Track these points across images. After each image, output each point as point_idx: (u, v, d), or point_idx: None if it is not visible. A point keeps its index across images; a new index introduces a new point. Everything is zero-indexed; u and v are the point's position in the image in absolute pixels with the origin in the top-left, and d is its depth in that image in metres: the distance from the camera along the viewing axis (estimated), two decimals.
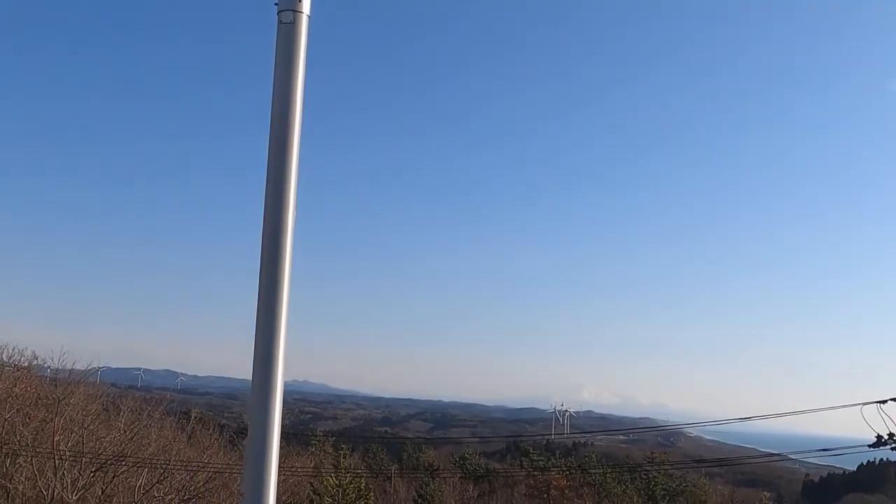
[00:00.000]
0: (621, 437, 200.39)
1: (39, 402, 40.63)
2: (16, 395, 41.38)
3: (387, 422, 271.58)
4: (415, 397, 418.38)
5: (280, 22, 6.68)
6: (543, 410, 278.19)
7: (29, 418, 38.52)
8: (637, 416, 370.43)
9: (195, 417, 52.24)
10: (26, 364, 44.02)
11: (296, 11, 6.67)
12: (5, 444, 37.13)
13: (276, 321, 6.80)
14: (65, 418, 35.96)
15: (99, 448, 34.32)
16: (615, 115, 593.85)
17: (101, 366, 57.46)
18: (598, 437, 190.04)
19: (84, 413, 36.94)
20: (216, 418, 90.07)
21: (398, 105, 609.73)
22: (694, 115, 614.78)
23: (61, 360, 41.17)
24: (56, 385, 40.63)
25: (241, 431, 76.28)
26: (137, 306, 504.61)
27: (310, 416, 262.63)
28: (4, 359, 43.68)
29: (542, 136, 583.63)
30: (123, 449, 34.71)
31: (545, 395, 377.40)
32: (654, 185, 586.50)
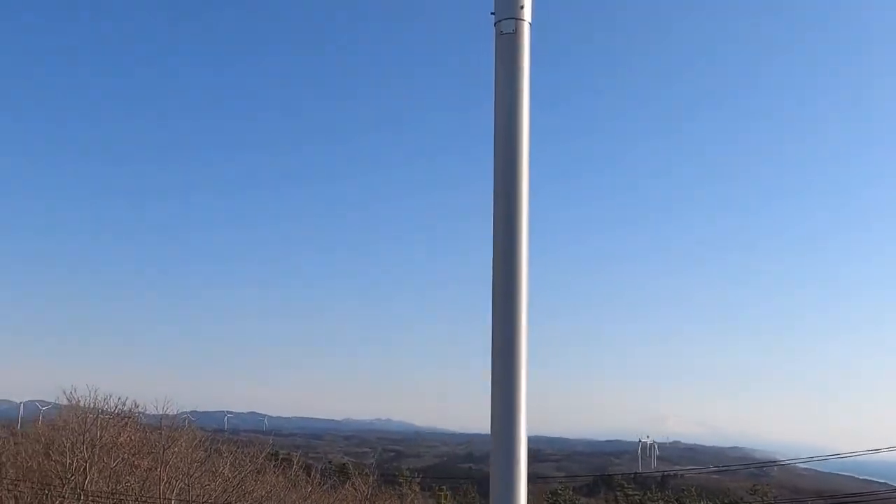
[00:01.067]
0: (711, 468, 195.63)
1: (143, 450, 41.62)
2: (120, 444, 42.51)
3: (470, 458, 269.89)
4: None
5: (500, 33, 6.11)
6: (628, 442, 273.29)
7: (134, 467, 39.50)
8: (726, 445, 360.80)
9: (297, 462, 52.66)
10: (129, 413, 45.14)
11: (517, 20, 6.07)
12: (113, 493, 38.06)
13: (514, 368, 5.86)
14: (169, 466, 36.71)
15: (204, 496, 34.89)
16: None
17: (189, 410, 58.93)
18: (688, 469, 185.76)
19: (188, 461, 37.59)
20: (303, 459, 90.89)
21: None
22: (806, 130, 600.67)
23: (165, 407, 42.16)
24: (160, 433, 41.49)
25: (329, 472, 76.85)
26: (220, 350, 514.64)
27: (393, 454, 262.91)
28: (108, 408, 44.91)
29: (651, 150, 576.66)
30: (228, 496, 35.19)
31: (629, 426, 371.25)
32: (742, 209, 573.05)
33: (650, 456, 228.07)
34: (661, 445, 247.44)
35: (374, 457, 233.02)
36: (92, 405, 43.94)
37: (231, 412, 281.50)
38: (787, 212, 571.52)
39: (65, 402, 45.85)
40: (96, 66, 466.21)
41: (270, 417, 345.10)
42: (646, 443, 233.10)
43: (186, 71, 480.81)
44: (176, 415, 45.29)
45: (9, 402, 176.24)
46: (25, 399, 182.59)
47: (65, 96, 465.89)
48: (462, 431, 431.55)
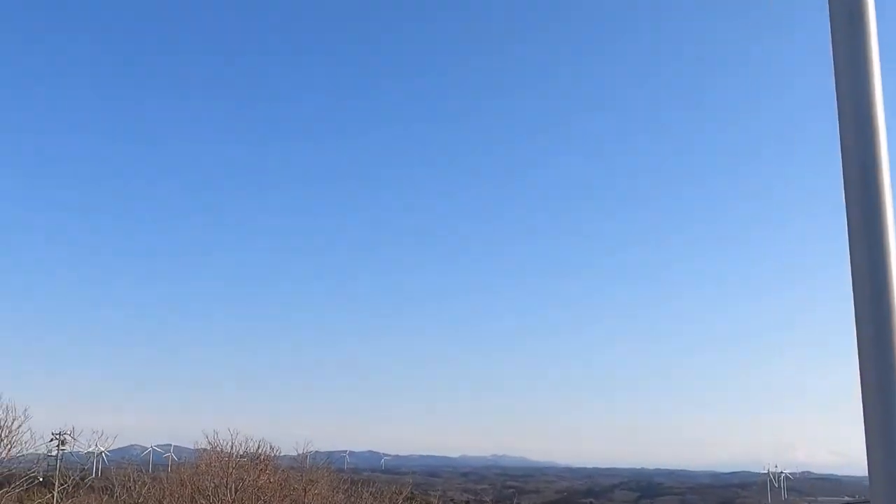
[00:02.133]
0: (847, 498, 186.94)
1: (283, 492, 42.31)
2: (260, 487, 43.35)
3: (591, 493, 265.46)
4: (617, 466, 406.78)
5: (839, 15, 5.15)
6: (755, 473, 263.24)
7: None
8: (860, 474, 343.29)
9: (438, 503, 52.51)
10: (268, 454, 46.04)
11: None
12: None
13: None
14: None
15: None
16: None
17: (311, 451, 59.69)
18: (821, 501, 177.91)
19: (329, 503, 38.01)
20: (424, 497, 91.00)
21: None
22: None
23: (305, 448, 42.84)
24: (300, 475, 42.12)
25: None
26: (337, 389, 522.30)
27: (512, 490, 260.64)
28: (249, 450, 45.93)
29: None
30: None
31: (755, 456, 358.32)
32: None
33: (779, 487, 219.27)
34: (791, 476, 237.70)
35: (493, 494, 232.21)
36: (230, 448, 45.11)
37: (350, 451, 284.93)
38: None
39: (190, 445, 47.16)
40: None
41: (389, 456, 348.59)
42: (775, 473, 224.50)
43: None
44: (296, 455, 46.01)
45: (140, 446, 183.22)
46: (155, 443, 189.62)
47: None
48: (581, 466, 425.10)
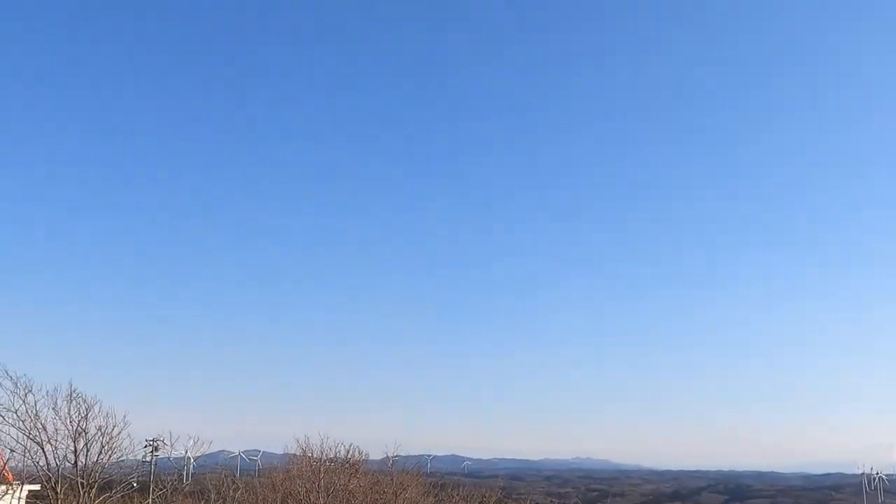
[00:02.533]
0: None
1: (373, 496, 42.56)
2: (351, 490, 43.76)
3: (678, 496, 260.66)
4: (704, 468, 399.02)
5: None
6: (849, 475, 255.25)
7: None
8: None
9: None
10: (357, 458, 46.39)
11: None
12: None
13: None
14: None
15: None
16: None
17: (394, 455, 59.84)
18: None
19: None
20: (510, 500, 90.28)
21: None
22: None
23: (395, 451, 43.01)
24: (390, 478, 42.31)
25: None
26: (420, 395, 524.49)
27: (596, 493, 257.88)
28: (338, 455, 46.37)
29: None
30: None
31: (848, 457, 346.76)
32: None
33: (875, 489, 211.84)
34: (888, 477, 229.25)
35: (577, 497, 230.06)
36: (321, 453, 45.64)
37: (432, 455, 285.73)
38: None
39: (274, 450, 47.70)
40: None
41: (471, 460, 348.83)
42: (870, 474, 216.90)
43: None
44: (381, 460, 46.13)
45: (228, 452, 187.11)
46: (242, 448, 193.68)
47: None
48: (666, 468, 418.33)
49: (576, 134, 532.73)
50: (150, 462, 70.35)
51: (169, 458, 76.23)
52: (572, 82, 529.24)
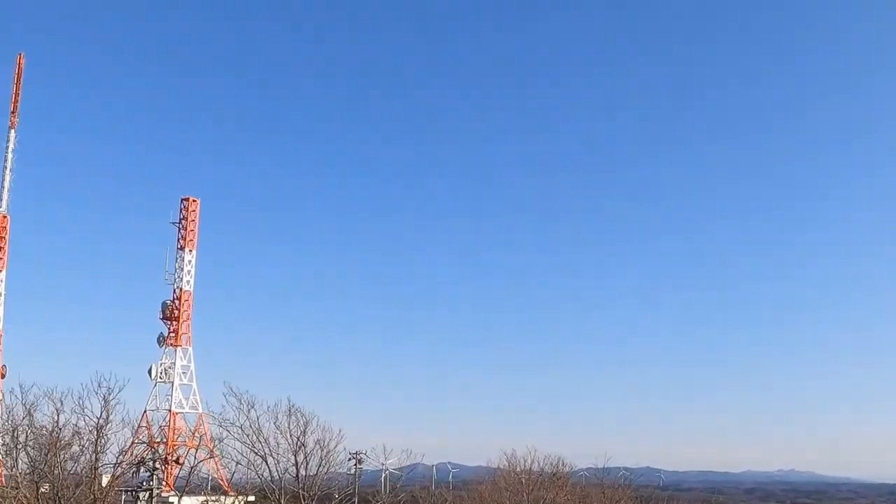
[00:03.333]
0: None
1: None
2: None
3: None
4: None
5: None
6: None
7: None
8: None
9: None
10: (564, 471, 45.91)
11: None
12: None
13: None
14: None
15: None
16: None
17: (584, 468, 58.86)
18: None
19: None
20: None
21: None
22: None
23: (605, 463, 42.26)
24: (601, 491, 41.56)
25: None
26: (611, 405, 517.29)
27: None
28: (543, 467, 46.05)
29: None
30: None
31: None
32: None
33: None
34: None
35: None
36: (528, 465, 45.43)
37: (626, 468, 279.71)
38: None
39: (468, 463, 47.87)
40: None
41: (667, 472, 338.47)
42: None
43: None
44: (569, 472, 45.18)
45: (422, 464, 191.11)
46: (436, 462, 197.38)
47: None
48: (880, 481, 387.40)
49: None
50: (355, 474, 72.59)
51: (369, 470, 78.10)
52: None
